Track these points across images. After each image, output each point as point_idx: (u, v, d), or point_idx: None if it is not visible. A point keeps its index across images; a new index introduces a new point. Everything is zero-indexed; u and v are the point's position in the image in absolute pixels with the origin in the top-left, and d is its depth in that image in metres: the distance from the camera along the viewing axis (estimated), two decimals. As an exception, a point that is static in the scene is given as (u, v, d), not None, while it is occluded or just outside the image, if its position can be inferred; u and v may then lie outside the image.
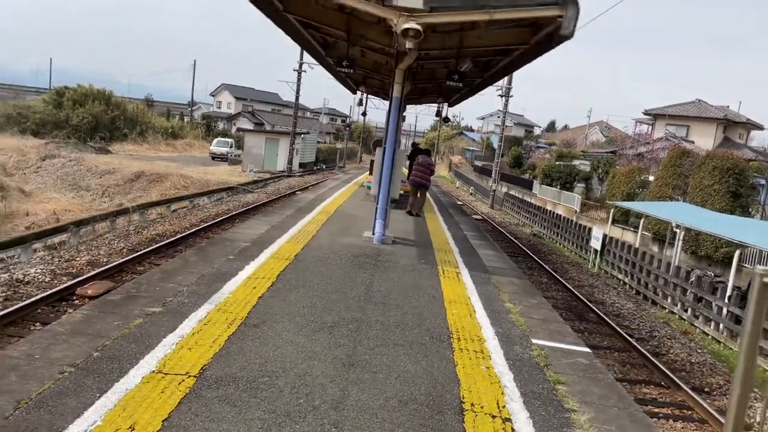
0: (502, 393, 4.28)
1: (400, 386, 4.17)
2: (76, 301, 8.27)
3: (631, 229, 21.52)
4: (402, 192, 16.63)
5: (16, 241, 11.16)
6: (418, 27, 7.83)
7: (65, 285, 8.79)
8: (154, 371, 3.95)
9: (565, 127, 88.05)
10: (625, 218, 22.58)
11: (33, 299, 7.95)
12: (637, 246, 17.36)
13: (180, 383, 3.81)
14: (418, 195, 14.57)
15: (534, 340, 5.66)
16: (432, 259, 9.20)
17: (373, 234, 10.03)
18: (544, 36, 9.23)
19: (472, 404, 4.02)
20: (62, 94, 46.71)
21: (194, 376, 3.94)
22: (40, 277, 9.38)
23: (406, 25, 7.88)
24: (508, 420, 3.85)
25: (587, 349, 5.71)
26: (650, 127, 39.82)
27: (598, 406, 4.32)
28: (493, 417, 3.86)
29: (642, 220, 18.89)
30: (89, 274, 9.53)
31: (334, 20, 10.64)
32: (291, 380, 4.05)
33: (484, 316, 6.28)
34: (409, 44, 8.12)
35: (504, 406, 4.05)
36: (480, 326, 5.88)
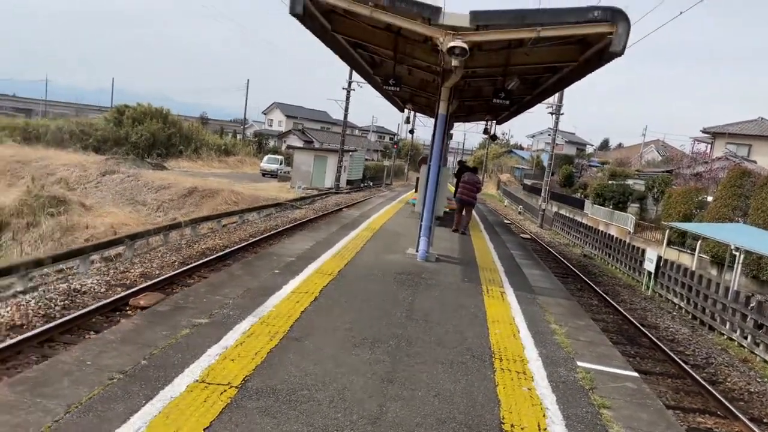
0: (544, 415, 4.17)
1: (439, 404, 4.13)
2: (129, 312, 8.56)
3: (688, 251, 20.73)
4: (447, 210, 16.60)
5: (75, 252, 11.66)
6: (464, 45, 7.86)
7: (119, 296, 9.12)
8: (197, 380, 4.04)
9: (620, 145, 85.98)
10: (681, 240, 21.78)
11: (88, 309, 8.27)
12: (693, 269, 16.70)
13: (222, 393, 3.89)
14: (464, 213, 14.48)
15: (579, 363, 5.51)
16: (476, 277, 9.10)
17: (417, 251, 10.01)
18: (593, 53, 9.11)
19: (512, 425, 3.94)
20: (122, 112, 48.90)
21: (236, 387, 4.01)
22: (95, 287, 9.76)
23: (452, 44, 7.93)
24: (550, 443, 3.75)
25: (635, 374, 5.51)
26: (709, 146, 38.43)
27: (646, 433, 4.16)
28: (534, 440, 3.77)
29: (699, 242, 18.18)
30: (142, 286, 9.86)
31: (381, 40, 10.80)
32: (330, 394, 4.07)
33: (528, 336, 6.16)
34: (455, 62, 8.16)
35: (545, 429, 3.95)
36: (523, 347, 5.77)
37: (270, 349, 4.82)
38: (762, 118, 37.58)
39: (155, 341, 4.71)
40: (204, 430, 3.39)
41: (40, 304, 8.43)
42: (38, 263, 10.31)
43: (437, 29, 8.16)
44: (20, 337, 6.85)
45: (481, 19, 7.98)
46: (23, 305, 8.21)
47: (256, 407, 3.75)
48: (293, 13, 8.09)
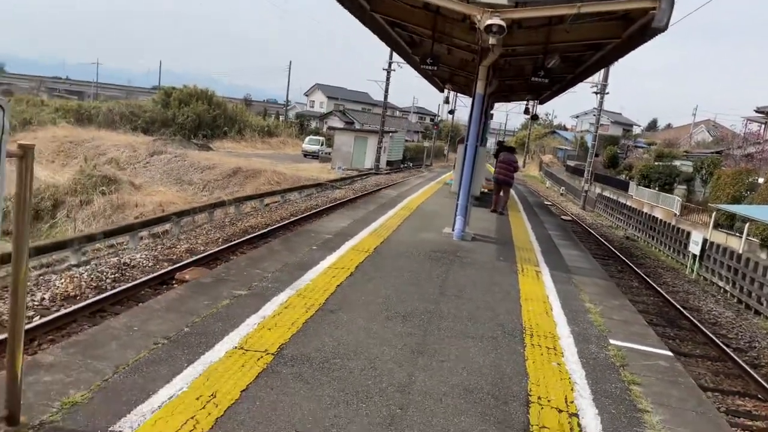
0: (572, 389, 4.23)
1: (467, 375, 4.24)
2: (175, 285, 8.93)
3: (736, 234, 20.07)
4: (486, 190, 16.53)
5: (125, 228, 12.17)
6: (502, 23, 7.80)
7: (165, 270, 9.51)
8: (236, 347, 4.26)
9: (668, 126, 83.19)
10: (729, 223, 21.05)
11: (137, 282, 8.69)
12: (741, 252, 16.20)
13: (259, 359, 4.09)
14: (501, 193, 14.41)
15: (612, 341, 5.52)
16: (511, 256, 9.12)
17: (453, 230, 10.07)
18: (636, 29, 8.89)
19: (539, 398, 4.01)
20: (169, 94, 50.08)
21: (272, 354, 4.21)
22: (144, 262, 10.20)
23: (490, 21, 7.88)
24: (575, 415, 3.81)
25: (669, 353, 5.47)
26: (762, 126, 36.84)
27: (675, 409, 4.17)
28: (560, 411, 3.84)
29: (747, 224, 17.59)
30: (187, 261, 10.25)
31: (419, 19, 10.78)
32: (361, 363, 4.23)
33: (561, 314, 6.19)
34: (492, 40, 8.11)
35: (572, 402, 4.01)
36: (555, 324, 5.80)
37: (305, 320, 5.01)
38: (823, 96, 35.73)
39: (197, 310, 4.95)
40: (241, 392, 3.59)
41: (92, 276, 8.89)
42: (90, 238, 10.82)
43: (475, 7, 8.12)
44: (74, 307, 7.27)
45: (519, -4, 7.90)
46: (76, 277, 8.67)
47: (291, 373, 3.94)
48: (331, -7, 8.16)
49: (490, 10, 8.00)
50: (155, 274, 9.15)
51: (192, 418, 3.20)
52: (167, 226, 13.87)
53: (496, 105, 33.09)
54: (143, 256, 10.54)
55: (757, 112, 37.06)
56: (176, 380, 3.64)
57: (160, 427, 3.08)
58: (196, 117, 48.39)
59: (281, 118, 67.82)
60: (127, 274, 9.41)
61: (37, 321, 6.67)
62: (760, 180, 22.50)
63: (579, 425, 3.68)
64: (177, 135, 44.01)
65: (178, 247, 11.77)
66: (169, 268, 9.66)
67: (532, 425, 3.60)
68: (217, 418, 3.23)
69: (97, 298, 7.74)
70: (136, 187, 24.28)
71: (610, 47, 10.67)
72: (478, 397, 3.90)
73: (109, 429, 3.02)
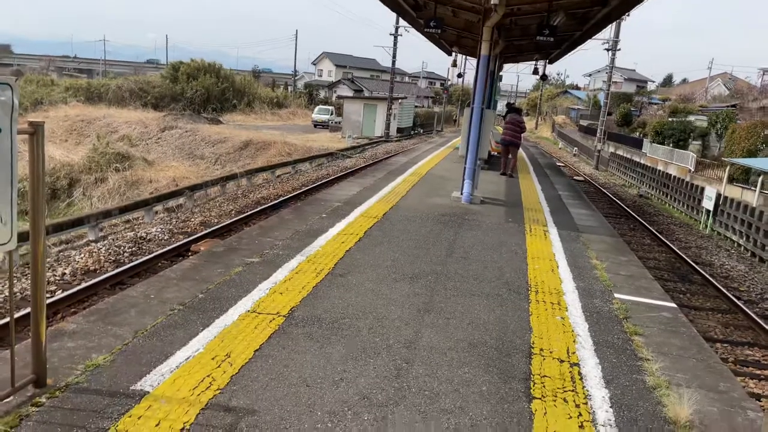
0: (574, 341, 4.36)
1: (472, 331, 4.39)
2: (191, 257, 9.15)
3: (752, 188, 19.89)
4: (496, 153, 16.48)
5: (140, 203, 12.40)
6: (503, -19, 7.72)
7: (181, 242, 9.72)
8: (249, 311, 4.43)
9: (684, 81, 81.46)
10: (745, 177, 20.86)
11: (153, 254, 8.91)
12: (755, 205, 16.09)
13: (271, 321, 4.26)
14: (510, 155, 14.39)
15: (617, 295, 5.62)
16: (520, 217, 9.19)
17: (462, 194, 10.14)
18: (641, -18, 8.73)
19: (541, 349, 4.15)
20: (177, 68, 49.97)
21: (284, 316, 4.38)
22: (159, 235, 10.43)
23: (491, -19, 7.80)
24: (576, 365, 3.95)
25: (672, 304, 5.57)
26: (780, 77, 36.02)
27: (675, 357, 4.29)
28: (561, 361, 3.98)
29: (760, 177, 17.42)
30: (202, 233, 10.45)
31: (422, -20, 10.66)
32: (369, 322, 4.38)
33: (567, 271, 6.29)
34: (494, 0, 8.04)
35: (574, 353, 4.15)
36: (561, 280, 5.92)
37: (315, 284, 5.17)
38: (843, 44, 34.76)
39: (211, 278, 5.13)
40: (254, 351, 3.77)
41: (110, 251, 9.13)
42: (107, 214, 11.06)
43: (476, -34, 8.03)
44: (94, 280, 7.52)
45: (520, -47, 7.79)
46: (95, 252, 8.91)
47: (302, 333, 4.11)
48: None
49: (491, -31, 7.92)
50: (171, 247, 9.36)
51: (208, 376, 3.39)
52: (181, 200, 14.09)
53: (506, 66, 32.66)
54: (158, 229, 10.76)
55: (774, 62, 36.17)
56: (192, 342, 3.83)
57: (178, 385, 3.26)
58: (205, 91, 48.35)
59: (290, 88, 67.49)
60: (143, 247, 9.64)
61: (60, 294, 6.92)
62: (776, 132, 22.16)
63: (579, 374, 3.82)
64: (186, 110, 44.07)
65: (192, 220, 11.98)
66: (185, 240, 9.87)
67: (533, 374, 3.74)
68: (232, 376, 3.41)
69: (116, 271, 7.97)
70: (149, 162, 24.54)
71: (616, 2, 10.50)
72: (481, 351, 4.05)
73: (131, 388, 3.21)
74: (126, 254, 9.14)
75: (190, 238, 9.99)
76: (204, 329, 4.05)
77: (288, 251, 6.14)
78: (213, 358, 3.61)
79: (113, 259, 8.81)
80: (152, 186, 20.74)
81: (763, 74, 36.28)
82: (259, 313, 4.40)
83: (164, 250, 9.19)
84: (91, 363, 3.44)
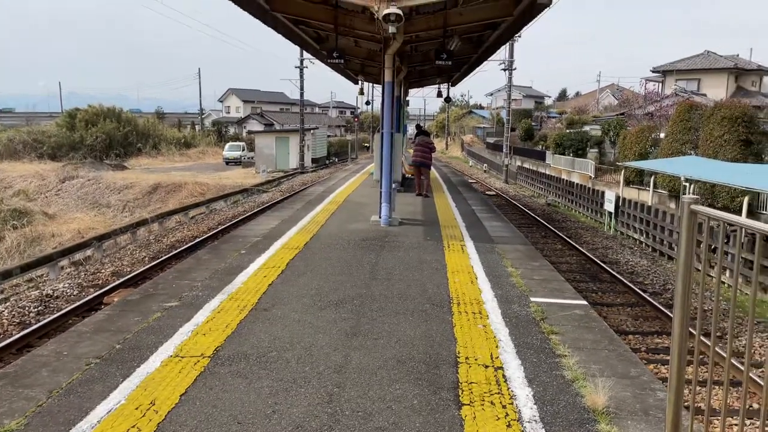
0: (497, 346, 4.55)
1: (400, 348, 4.47)
2: (105, 309, 8.71)
3: (647, 188, 21.46)
4: (410, 175, 16.88)
5: (43, 259, 11.69)
6: (398, 11, 8.06)
7: (92, 296, 9.25)
8: (171, 356, 4.30)
9: (577, 94, 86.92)
10: (639, 179, 22.49)
11: (63, 311, 8.41)
12: (650, 204, 17.38)
13: (195, 364, 4.15)
14: (423, 176, 14.79)
15: (532, 298, 5.91)
16: (438, 235, 9.46)
17: (380, 217, 10.31)
18: (525, 6, 9.39)
19: (467, 358, 4.30)
20: (74, 115, 47.77)
21: (209, 357, 4.28)
22: (68, 290, 9.87)
23: (387, 11, 8.12)
24: (500, 368, 4.12)
25: (584, 302, 5.93)
26: (659, 85, 39.30)
27: (589, 350, 4.56)
28: (486, 367, 4.14)
29: (652, 178, 18.86)
30: (115, 284, 9.99)
31: (321, 14, 10.90)
32: (298, 352, 4.37)
33: (485, 281, 6.54)
34: (392, 29, 8.36)
35: (497, 357, 4.32)
36: (480, 290, 6.14)
37: (240, 320, 5.09)
38: (708, 52, 38.50)
39: (128, 327, 4.93)
40: (180, 396, 3.66)
41: (13, 313, 8.54)
42: (6, 274, 10.35)
43: (371, -2, 8.32)
44: (-2, 345, 6.99)
45: (412, -16, 8.17)
46: (-3, 315, 8.30)
47: (229, 371, 4.03)
48: (227, -4, 8.14)
49: (386, 0, 8.24)
50: (82, 302, 8.89)
51: (133, 426, 3.26)
52: (89, 251, 13.41)
53: (412, 91, 33.65)
54: (66, 285, 10.19)
55: (653, 71, 39.49)
56: (113, 395, 3.66)
57: (101, 441, 3.12)
58: (106, 136, 46.37)
59: (197, 127, 66.05)
60: (51, 305, 9.10)
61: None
62: (662, 135, 24.09)
63: (504, 376, 3.99)
64: (87, 158, 42.08)
65: (103, 271, 11.43)
66: (96, 293, 9.40)
67: (461, 382, 3.87)
68: (158, 423, 3.30)
69: (22, 333, 7.46)
70: (51, 216, 23.19)
71: (505, 25, 11.19)
72: (410, 366, 4.14)
73: (49, 450, 3.03)
74: (32, 314, 8.58)
75: (102, 290, 9.54)
76: (124, 380, 3.89)
77: (208, 291, 6.00)
78: (137, 408, 3.48)
79: (18, 321, 8.25)
80: (56, 240, 19.57)
81: (646, 83, 39.45)
82: (183, 357, 4.28)
83: (74, 305, 8.72)
84: (3, 429, 3.22)
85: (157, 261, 11.72)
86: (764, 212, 15.56)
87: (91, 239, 13.88)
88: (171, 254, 12.32)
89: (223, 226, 15.78)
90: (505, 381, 3.91)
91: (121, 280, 10.26)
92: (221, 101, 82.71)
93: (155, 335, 4.73)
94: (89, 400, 3.59)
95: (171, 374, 3.98)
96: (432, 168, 16.43)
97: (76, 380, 3.89)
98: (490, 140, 51.49)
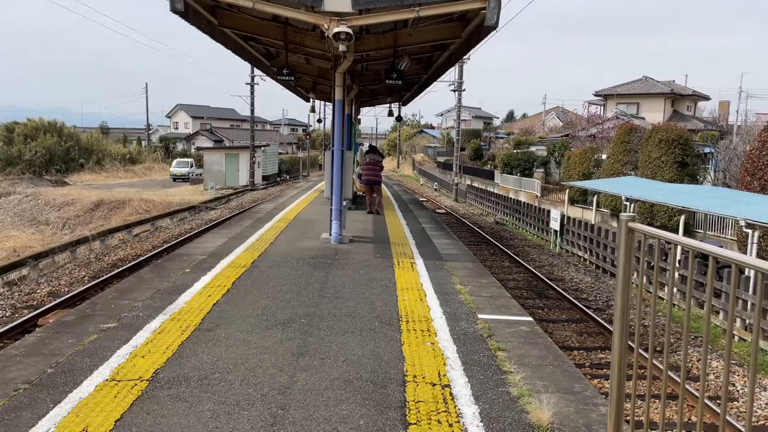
0: (444, 364, 4.54)
1: (347, 368, 4.41)
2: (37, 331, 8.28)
3: (590, 207, 22.16)
4: (361, 193, 16.89)
5: (-27, 279, 11.05)
6: (349, 30, 8.10)
7: (26, 318, 8.80)
8: (107, 380, 4.10)
9: (524, 115, 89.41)
10: (583, 198, 23.22)
11: (-7, 333, 7.95)
12: (593, 223, 17.93)
13: (133, 387, 3.98)
14: (374, 193, 14.83)
15: (480, 315, 5.96)
16: (388, 252, 9.46)
17: (331, 235, 10.24)
18: (473, 28, 9.62)
19: (414, 376, 4.28)
20: (12, 129, 45.80)
21: (147, 380, 4.10)
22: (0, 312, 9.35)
23: (337, 29, 8.14)
24: (447, 386, 4.11)
25: (530, 318, 6.02)
26: (601, 108, 40.87)
27: (534, 366, 4.62)
28: (434, 385, 4.13)
29: (595, 197, 19.49)
30: (51, 304, 9.54)
31: (271, 31, 10.86)
32: (241, 374, 4.25)
33: (434, 298, 6.56)
34: (342, 47, 8.38)
35: (445, 375, 4.32)
36: (429, 308, 6.15)
37: (181, 342, 4.92)
38: (646, 77, 40.35)
39: (61, 350, 4.69)
40: (115, 422, 3.48)
41: (-63, 336, 8.00)
42: (-69, 295, 9.71)
43: (321, 16, 8.34)
44: None
45: (362, 3, 8.23)
46: None
47: (168, 395, 3.87)
48: (174, 10, 7.99)
49: (336, 18, 8.27)
50: (14, 324, 8.44)
51: (62, 456, 3.08)
52: (24, 271, 12.76)
53: (364, 110, 33.85)
54: (-2, 306, 9.65)
55: (595, 95, 41.07)
56: (42, 422, 3.46)
57: (26, 473, 2.93)
58: (46, 151, 44.58)
59: (144, 143, 64.37)
60: (-20, 328, 8.57)
61: None
62: (604, 156, 25.00)
63: (451, 394, 3.98)
64: (26, 173, 40.34)
65: (39, 291, 10.91)
66: (30, 314, 8.95)
67: (408, 401, 3.84)
68: (90, 452, 3.13)
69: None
70: (-17, 234, 21.98)
71: (454, 46, 11.41)
72: (357, 386, 4.08)
73: (-33, 485, 2.82)
74: (-42, 338, 8.06)
75: (36, 312, 9.09)
76: (55, 406, 3.68)
77: (149, 311, 5.79)
78: (67, 437, 3.29)
79: (-59, 345, 7.72)
80: (-12, 259, 18.54)
81: (589, 106, 40.99)
82: (119, 381, 4.09)
83: (6, 328, 8.26)
84: None
85: (98, 280, 11.27)
86: (699, 231, 16.29)
87: (27, 258, 13.21)
88: (112, 273, 11.87)
89: (168, 244, 15.34)
90: (452, 399, 3.91)
91: (58, 300, 9.80)
92: (169, 117, 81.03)
93: (90, 358, 4.51)
94: (16, 429, 3.37)
95: (106, 399, 3.79)
96: (383, 186, 16.50)
97: (2, 407, 3.65)
98: (441, 159, 52.24)
